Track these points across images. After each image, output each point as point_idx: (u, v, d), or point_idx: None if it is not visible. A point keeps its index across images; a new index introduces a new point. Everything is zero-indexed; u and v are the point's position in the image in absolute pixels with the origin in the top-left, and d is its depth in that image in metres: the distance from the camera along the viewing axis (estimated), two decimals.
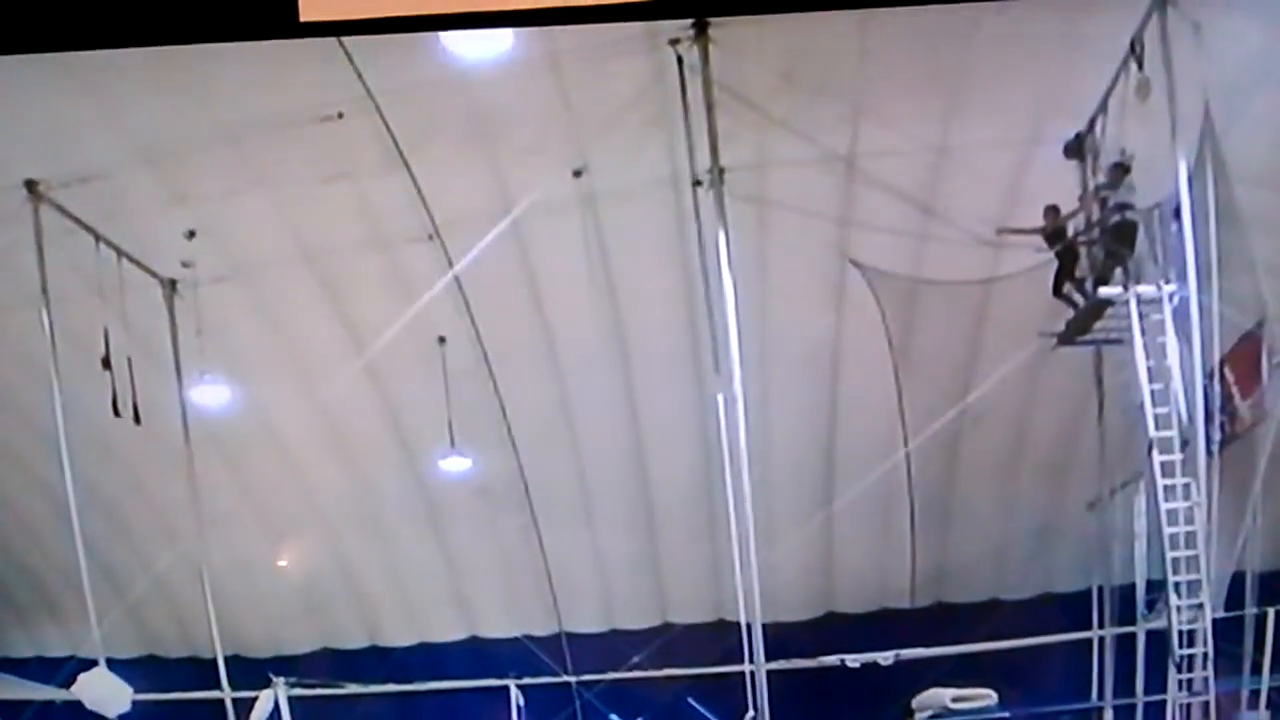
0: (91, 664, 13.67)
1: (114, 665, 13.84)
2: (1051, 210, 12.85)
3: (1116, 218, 12.30)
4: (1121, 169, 12.17)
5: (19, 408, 14.38)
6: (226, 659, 14.86)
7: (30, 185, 12.39)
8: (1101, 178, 12.40)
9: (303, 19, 6.47)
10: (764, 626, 12.74)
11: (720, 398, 12.45)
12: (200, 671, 15.21)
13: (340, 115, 11.74)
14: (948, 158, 12.64)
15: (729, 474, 12.31)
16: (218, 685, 14.77)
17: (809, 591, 15.59)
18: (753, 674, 12.70)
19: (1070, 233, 12.87)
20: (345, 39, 9.83)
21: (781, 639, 13.45)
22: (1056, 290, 12.97)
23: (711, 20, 11.16)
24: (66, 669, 14.16)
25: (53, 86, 10.73)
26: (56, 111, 11.33)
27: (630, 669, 15.20)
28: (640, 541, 15.57)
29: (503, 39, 10.90)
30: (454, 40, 10.62)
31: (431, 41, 10.42)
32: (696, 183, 12.23)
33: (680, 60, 11.45)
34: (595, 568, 15.92)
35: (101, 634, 13.74)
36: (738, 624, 12.89)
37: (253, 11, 6.45)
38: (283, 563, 15.97)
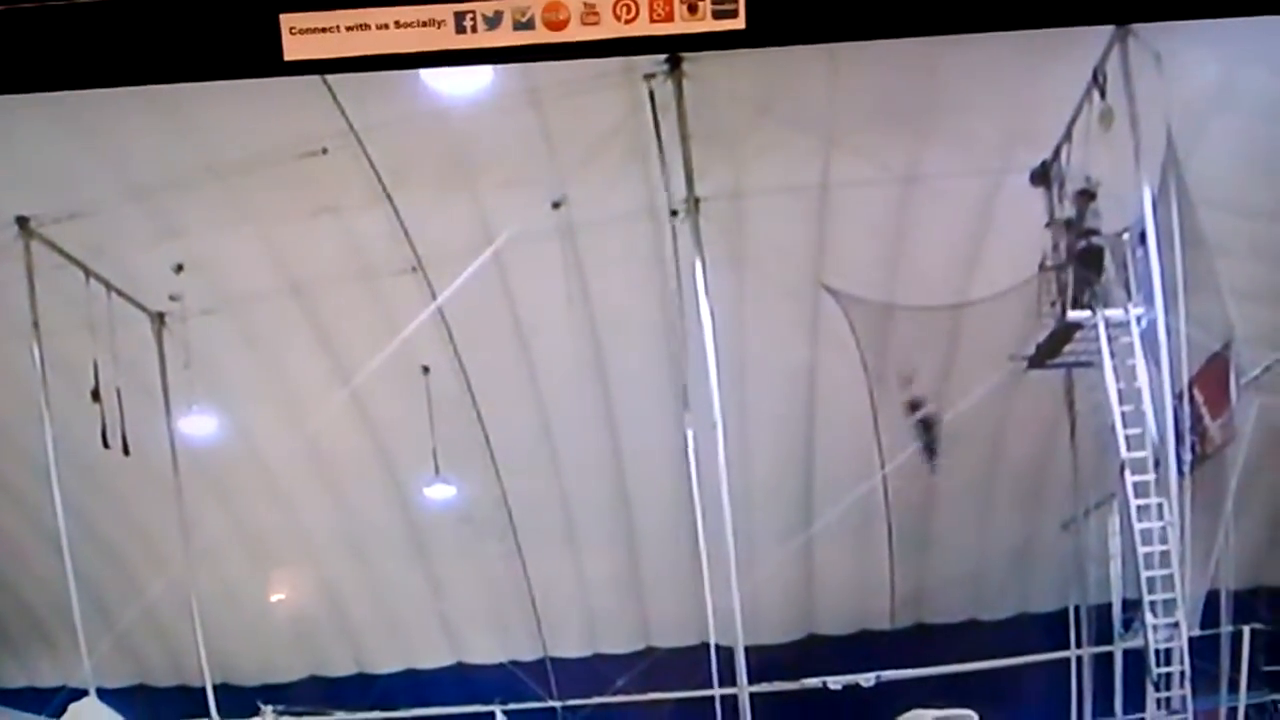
0: (83, 694, 13.75)
1: (105, 695, 13.93)
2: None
3: (1083, 243, 12.56)
4: (1086, 195, 12.44)
5: (10, 439, 14.48)
6: (215, 687, 14.96)
7: (21, 222, 12.62)
8: (1068, 204, 12.67)
9: (287, 58, 6.74)
10: (746, 649, 12.86)
11: (690, 432, 12.61)
12: (190, 700, 15.25)
13: (325, 151, 11.97)
14: (918, 186, 12.89)
15: (697, 499, 12.43)
16: (207, 713, 14.87)
17: (790, 614, 15.70)
18: (740, 696, 12.81)
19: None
20: (329, 77, 10.12)
21: (763, 661, 13.58)
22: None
23: (685, 55, 11.44)
24: (58, 699, 14.23)
25: (44, 125, 10.97)
26: (48, 150, 11.56)
27: (614, 693, 15.28)
28: (623, 566, 15.66)
29: (482, 75, 11.16)
30: (434, 77, 10.87)
31: (412, 79, 10.67)
32: (673, 212, 12.47)
33: (652, 95, 11.73)
34: (578, 592, 16.00)
35: (92, 663, 13.84)
36: (721, 647, 13.00)
37: (239, 52, 6.72)
38: (271, 591, 16.04)
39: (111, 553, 15.66)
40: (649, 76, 11.69)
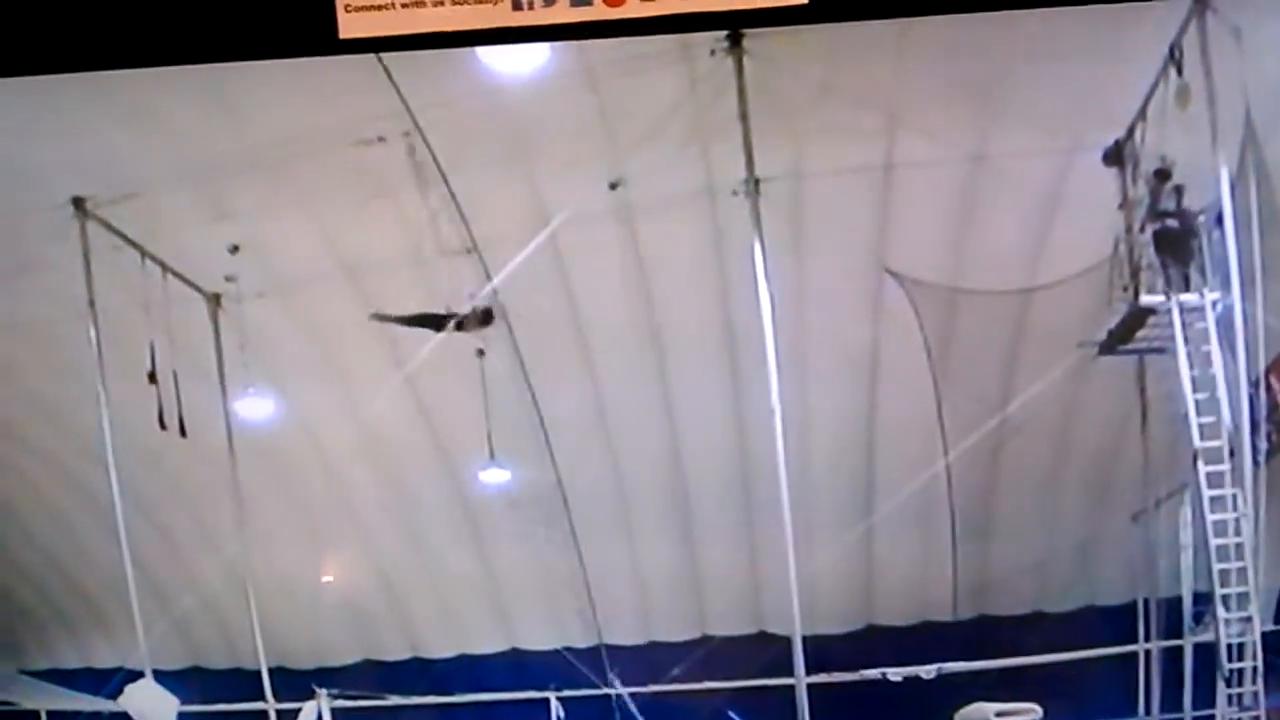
0: (139, 675, 13.85)
1: (160, 676, 14.01)
2: None
3: (1158, 225, 12.23)
4: (1162, 175, 12.10)
5: (67, 421, 14.63)
6: (270, 670, 15.03)
7: (77, 202, 12.68)
8: (1142, 185, 12.34)
9: (342, 35, 6.60)
10: (804, 639, 12.71)
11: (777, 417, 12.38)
12: (245, 683, 15.36)
13: (381, 139, 11.91)
14: (985, 166, 12.61)
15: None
16: (262, 696, 14.95)
17: (849, 603, 15.53)
18: (798, 687, 12.68)
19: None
20: (384, 56, 10.01)
21: (821, 651, 13.41)
22: None
23: (746, 32, 11.23)
24: (115, 680, 14.35)
25: (99, 105, 10.98)
26: (103, 131, 11.59)
27: (670, 681, 15.19)
28: (679, 553, 15.56)
29: (538, 53, 11.01)
30: (490, 56, 10.74)
31: (468, 58, 10.54)
32: (733, 193, 12.30)
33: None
34: (634, 579, 15.93)
35: (148, 645, 13.92)
36: (778, 636, 12.87)
37: (293, 29, 6.58)
38: (326, 574, 16.11)
39: (167, 535, 15.78)
40: (710, 53, 11.47)
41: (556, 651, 15.78)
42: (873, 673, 14.11)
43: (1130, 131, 12.26)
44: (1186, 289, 12.09)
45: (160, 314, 13.23)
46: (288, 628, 15.74)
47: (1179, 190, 12.14)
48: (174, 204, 12.73)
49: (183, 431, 13.59)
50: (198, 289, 13.90)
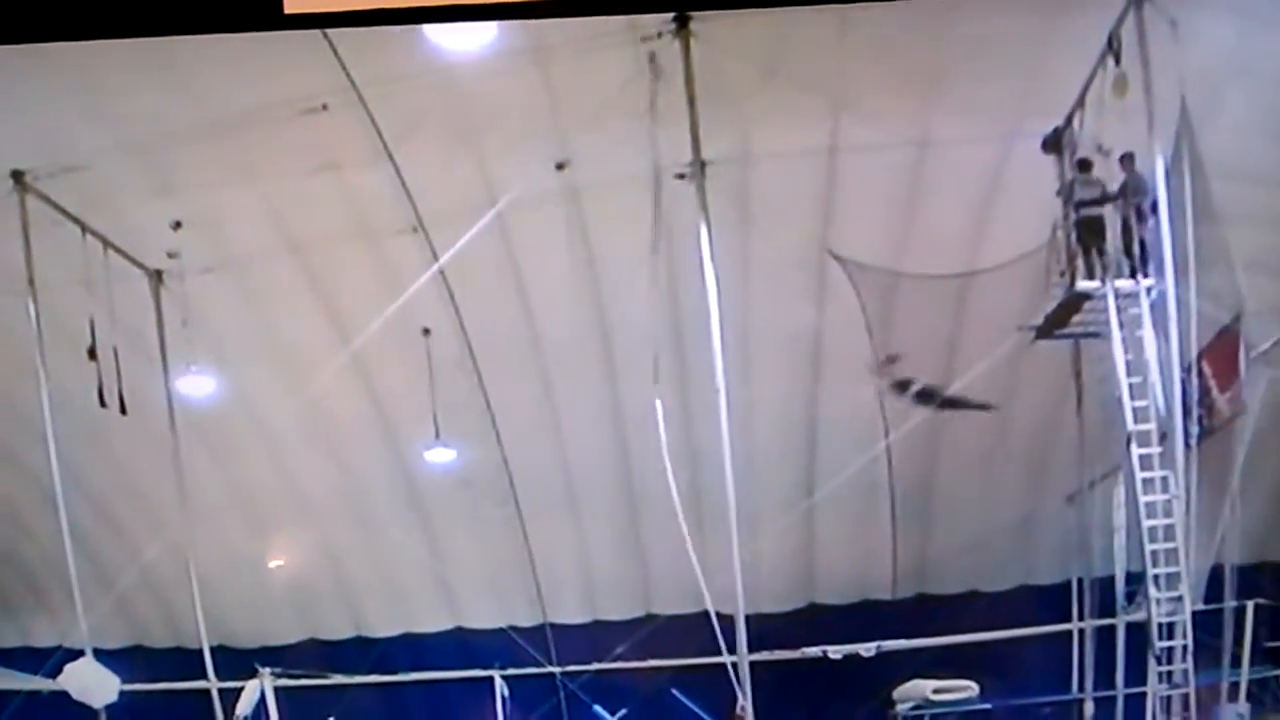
0: (79, 654, 13.70)
1: (101, 655, 13.89)
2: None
3: (1081, 213, 12.39)
4: (1084, 164, 12.27)
5: (5, 398, 14.40)
6: (213, 649, 14.91)
7: (17, 175, 12.43)
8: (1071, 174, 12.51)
9: (287, 11, 6.54)
10: (747, 617, 12.80)
11: (657, 402, 12.49)
12: (187, 662, 15.27)
13: (325, 108, 11.80)
14: (928, 152, 12.72)
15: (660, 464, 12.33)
16: (204, 675, 14.83)
17: (791, 583, 15.67)
18: (736, 665, 12.76)
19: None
20: (330, 32, 9.94)
21: (764, 630, 13.52)
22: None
23: (693, 15, 11.25)
24: (54, 659, 14.22)
25: (39, 78, 10.78)
26: (43, 103, 11.38)
27: (614, 660, 15.26)
28: (624, 532, 15.62)
29: (487, 32, 10.96)
30: (438, 33, 10.69)
31: (416, 35, 10.49)
32: (679, 176, 12.29)
33: (652, 57, 11.53)
34: (579, 559, 15.99)
35: (89, 624, 13.77)
36: (721, 615, 12.95)
37: (237, 4, 6.53)
38: (269, 553, 16.02)
39: (108, 513, 15.62)
40: (656, 36, 11.47)
41: (501, 630, 15.81)
42: (814, 651, 14.28)
43: (1069, 120, 12.41)
44: (1105, 275, 12.26)
45: (101, 290, 13.07)
46: (230, 606, 15.64)
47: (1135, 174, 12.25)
48: (116, 178, 12.54)
49: (123, 409, 13.40)
50: (139, 265, 13.73)
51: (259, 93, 11.52)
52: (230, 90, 11.42)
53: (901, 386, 13.89)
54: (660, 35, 11.50)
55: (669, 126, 11.95)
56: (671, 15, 11.28)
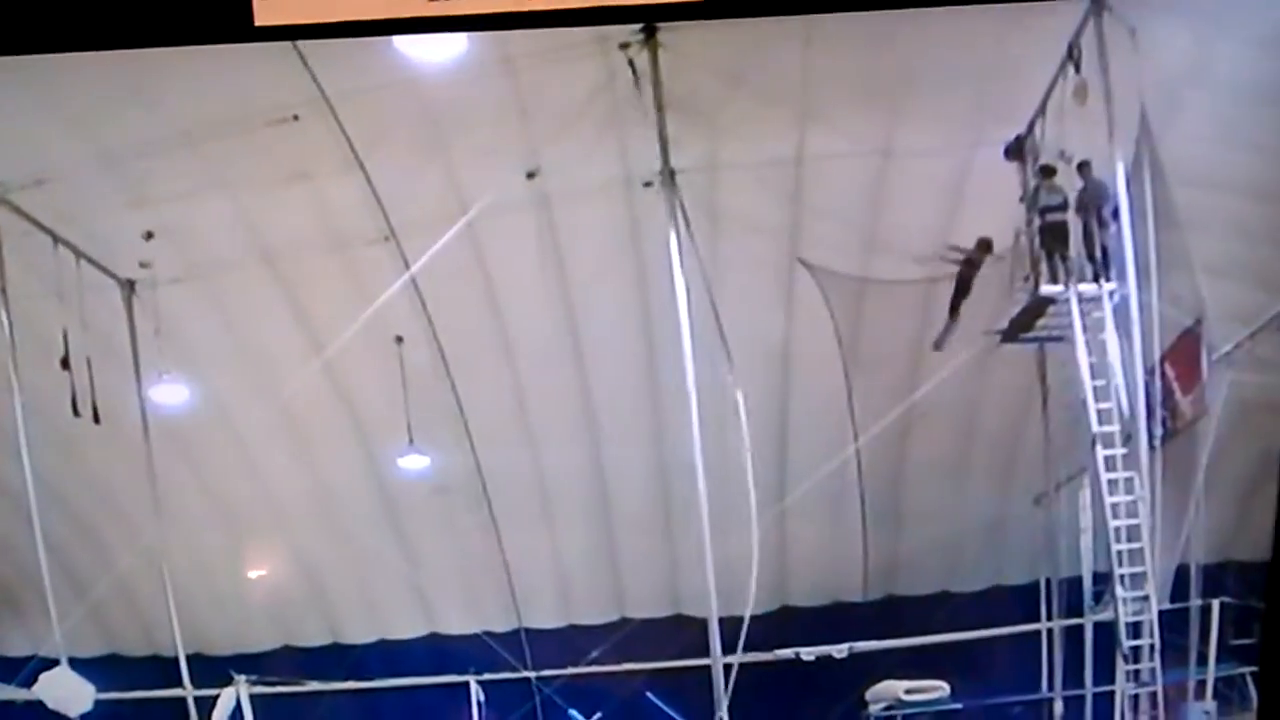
0: (53, 663, 13.70)
1: (76, 664, 13.88)
2: (984, 243, 13.13)
3: (1045, 219, 12.59)
4: (1047, 170, 12.48)
5: None
6: (188, 657, 14.92)
7: None
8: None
9: (258, 23, 6.64)
10: (720, 620, 12.91)
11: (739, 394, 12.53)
12: (162, 670, 15.22)
13: (296, 118, 11.88)
14: (893, 161, 12.87)
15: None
16: (180, 684, 14.85)
17: (763, 586, 15.74)
18: (714, 667, 12.87)
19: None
20: (300, 43, 10.02)
21: (737, 633, 13.62)
22: (953, 310, 13.26)
23: (660, 25, 11.38)
24: (29, 668, 14.19)
25: (9, 90, 10.83)
26: (15, 116, 11.41)
27: (589, 664, 15.33)
28: (597, 537, 15.67)
29: (456, 42, 11.07)
30: (407, 44, 10.79)
31: (385, 45, 10.57)
32: (647, 184, 12.42)
33: (632, 64, 11.67)
34: (553, 564, 16.03)
35: (63, 633, 13.78)
36: (695, 618, 13.05)
37: (208, 16, 6.62)
38: (244, 561, 16.01)
39: (82, 522, 15.58)
40: (624, 46, 11.61)
41: (476, 636, 15.85)
42: (786, 652, 14.38)
43: (1030, 127, 12.60)
44: (1068, 280, 12.46)
45: (74, 300, 13.10)
46: (205, 614, 15.62)
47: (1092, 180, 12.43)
48: (87, 189, 12.58)
49: (96, 418, 13.47)
50: (111, 275, 13.77)
51: (230, 104, 11.59)
52: (202, 102, 11.49)
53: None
54: (629, 45, 11.65)
55: (638, 135, 12.10)
56: (639, 26, 11.42)
